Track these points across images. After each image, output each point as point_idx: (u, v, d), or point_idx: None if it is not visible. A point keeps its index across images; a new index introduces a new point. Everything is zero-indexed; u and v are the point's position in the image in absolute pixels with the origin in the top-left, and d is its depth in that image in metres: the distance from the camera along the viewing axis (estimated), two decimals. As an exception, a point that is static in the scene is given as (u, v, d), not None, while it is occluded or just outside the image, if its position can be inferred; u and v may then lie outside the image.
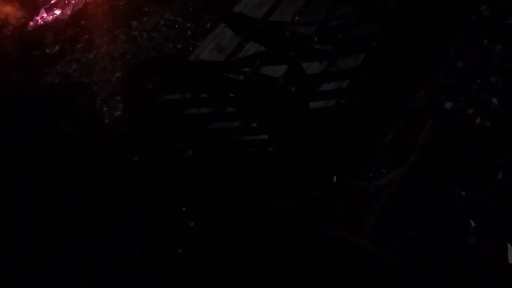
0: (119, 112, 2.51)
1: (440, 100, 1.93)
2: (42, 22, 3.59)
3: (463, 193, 1.64)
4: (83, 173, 1.86)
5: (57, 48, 3.26)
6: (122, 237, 1.78)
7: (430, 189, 1.67)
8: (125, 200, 1.90)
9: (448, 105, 1.92)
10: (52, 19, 3.59)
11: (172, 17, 3.20)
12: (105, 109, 2.55)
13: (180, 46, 2.92)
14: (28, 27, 3.58)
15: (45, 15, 3.64)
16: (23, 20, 3.64)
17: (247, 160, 1.48)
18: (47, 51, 3.26)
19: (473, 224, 1.55)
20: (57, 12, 3.64)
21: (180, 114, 1.59)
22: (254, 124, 1.52)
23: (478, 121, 1.85)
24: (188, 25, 3.07)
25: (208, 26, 2.96)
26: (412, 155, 1.49)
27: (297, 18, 1.97)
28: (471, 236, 1.53)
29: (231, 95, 1.43)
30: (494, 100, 1.89)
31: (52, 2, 3.68)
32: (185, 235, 1.74)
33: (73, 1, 3.65)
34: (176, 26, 3.11)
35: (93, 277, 1.65)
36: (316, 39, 1.45)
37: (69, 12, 3.59)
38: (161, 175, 1.87)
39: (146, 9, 3.35)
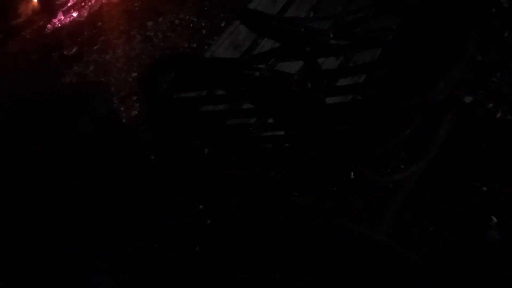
0: (136, 112, 2.53)
1: (460, 94, 1.90)
2: (59, 25, 3.64)
3: (484, 188, 1.61)
4: (100, 172, 1.88)
5: (74, 49, 3.30)
6: (140, 234, 1.79)
7: (450, 184, 1.65)
8: (142, 198, 1.92)
9: (468, 99, 1.89)
10: (70, 21, 3.64)
11: (187, 17, 3.21)
12: (122, 108, 2.57)
13: (195, 45, 2.93)
14: (46, 29, 3.63)
15: (62, 17, 3.69)
16: (41, 23, 3.69)
17: (264, 156, 1.47)
18: (65, 52, 3.31)
19: (495, 219, 1.53)
20: (74, 14, 3.69)
21: (196, 111, 1.60)
22: (271, 120, 1.52)
23: (498, 115, 1.81)
24: (203, 24, 3.08)
25: (223, 24, 2.96)
26: (431, 150, 1.47)
27: (312, 13, 1.96)
28: (493, 232, 1.50)
29: (248, 91, 1.42)
30: (515, 94, 1.86)
31: (69, 4, 3.73)
32: (202, 232, 1.75)
33: (89, 3, 3.70)
34: (191, 25, 3.12)
35: (111, 273, 1.67)
36: (332, 34, 1.44)
37: (85, 14, 3.63)
38: (178, 173, 1.88)
39: (161, 9, 3.37)
